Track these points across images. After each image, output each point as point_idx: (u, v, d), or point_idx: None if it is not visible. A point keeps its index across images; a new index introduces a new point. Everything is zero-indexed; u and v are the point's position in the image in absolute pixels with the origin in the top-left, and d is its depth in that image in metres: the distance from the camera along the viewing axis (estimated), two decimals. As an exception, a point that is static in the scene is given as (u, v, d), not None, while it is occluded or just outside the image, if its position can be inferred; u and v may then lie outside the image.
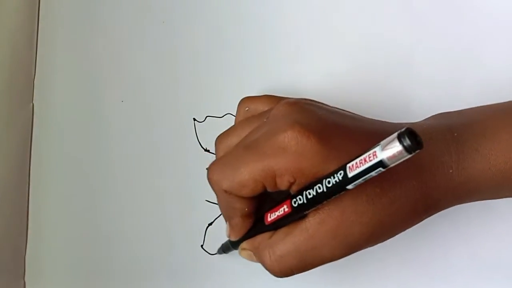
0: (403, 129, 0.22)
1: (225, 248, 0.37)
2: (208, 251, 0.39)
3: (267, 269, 0.30)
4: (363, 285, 0.39)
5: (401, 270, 0.39)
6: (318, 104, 0.31)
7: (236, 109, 0.41)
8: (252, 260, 0.32)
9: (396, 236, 0.39)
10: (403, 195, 0.28)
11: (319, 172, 0.27)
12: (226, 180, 0.29)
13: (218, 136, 0.34)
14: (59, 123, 0.41)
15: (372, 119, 0.31)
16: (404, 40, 0.40)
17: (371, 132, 0.30)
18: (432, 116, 0.33)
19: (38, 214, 0.40)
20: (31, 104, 0.41)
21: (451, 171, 0.29)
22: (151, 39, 0.42)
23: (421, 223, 0.39)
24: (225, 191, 0.29)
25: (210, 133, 0.40)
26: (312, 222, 0.28)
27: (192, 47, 0.42)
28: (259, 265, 0.39)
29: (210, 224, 0.39)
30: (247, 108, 0.35)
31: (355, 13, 0.41)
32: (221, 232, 0.39)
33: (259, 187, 0.28)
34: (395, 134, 0.22)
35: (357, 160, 0.24)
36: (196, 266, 0.39)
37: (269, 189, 0.29)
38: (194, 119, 0.41)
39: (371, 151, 0.23)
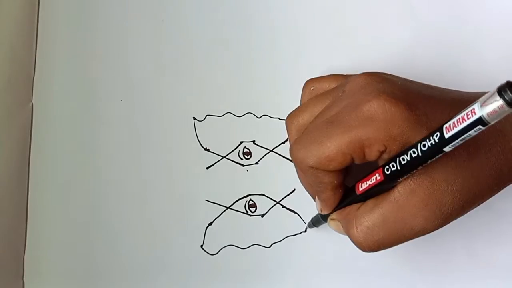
0: (503, 83, 0.21)
1: (316, 222, 0.37)
2: (208, 251, 0.39)
3: (353, 241, 0.30)
4: (362, 284, 0.39)
5: (400, 270, 0.39)
6: (395, 75, 0.31)
7: (236, 107, 0.41)
8: (339, 231, 0.32)
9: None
10: (489, 160, 0.28)
11: (409, 139, 0.26)
12: (312, 157, 0.28)
13: (289, 116, 0.33)
14: (59, 123, 0.41)
15: (449, 88, 0.31)
16: (404, 41, 0.40)
17: (454, 99, 0.29)
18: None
19: (37, 214, 0.40)
20: (31, 103, 0.41)
21: None
22: (151, 38, 0.42)
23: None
24: (312, 167, 0.29)
25: (210, 132, 0.40)
26: (402, 193, 0.27)
27: (192, 45, 0.42)
28: (258, 265, 0.39)
29: (210, 224, 0.39)
30: (312, 88, 0.34)
31: (355, 14, 0.41)
32: (221, 232, 0.39)
33: (348, 159, 0.28)
34: (495, 89, 0.21)
35: (455, 119, 0.23)
36: (196, 266, 0.39)
37: (357, 161, 0.28)
38: (194, 118, 0.41)
39: (469, 109, 0.22)
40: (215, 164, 0.40)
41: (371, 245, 0.29)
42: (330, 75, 0.35)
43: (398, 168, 0.26)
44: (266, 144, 0.40)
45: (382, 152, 0.27)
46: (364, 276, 0.39)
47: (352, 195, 0.30)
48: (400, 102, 0.27)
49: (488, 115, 0.21)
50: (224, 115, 0.41)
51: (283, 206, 0.40)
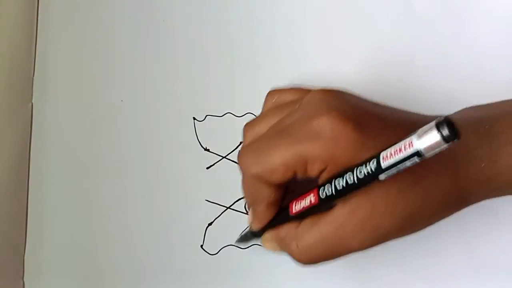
0: (441, 118, 0.21)
1: (244, 239, 0.36)
2: (208, 251, 0.39)
3: (294, 258, 0.30)
4: (361, 284, 0.39)
5: (400, 271, 0.39)
6: (352, 93, 0.30)
7: (236, 107, 0.41)
8: (275, 251, 0.31)
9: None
10: (435, 187, 0.28)
11: (352, 161, 0.26)
12: (256, 165, 0.28)
13: (246, 124, 0.33)
14: (59, 122, 0.41)
15: (405, 110, 0.31)
16: (404, 41, 0.40)
17: (406, 122, 0.29)
18: (462, 109, 0.33)
19: (37, 214, 0.40)
20: (30, 103, 0.41)
21: (483, 164, 0.29)
22: (151, 38, 0.42)
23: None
24: (254, 176, 0.28)
25: (210, 132, 0.40)
26: (341, 213, 0.27)
27: (192, 45, 0.42)
28: (258, 265, 0.39)
29: (210, 224, 0.39)
30: (274, 99, 0.34)
31: (355, 15, 0.41)
32: (221, 232, 0.39)
33: (290, 173, 0.28)
34: (433, 123, 0.21)
35: (392, 149, 0.23)
36: (196, 266, 0.39)
37: (299, 177, 0.28)
38: (194, 118, 0.41)
39: (407, 140, 0.22)
40: (215, 164, 0.40)
41: (310, 260, 0.29)
42: (293, 87, 0.34)
43: (333, 193, 0.26)
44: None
45: (322, 171, 0.27)
46: (364, 276, 0.39)
47: (285, 214, 0.30)
48: (349, 122, 0.26)
49: (424, 149, 0.21)
50: (224, 115, 0.41)
51: (283, 206, 0.40)
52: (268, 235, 0.31)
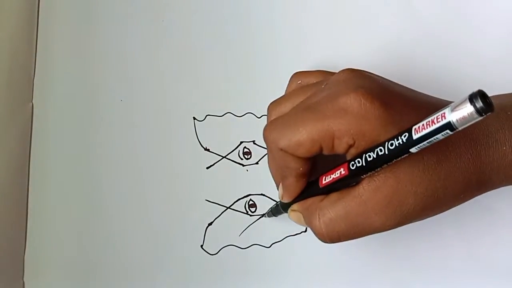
0: (475, 91, 0.21)
1: (275, 211, 0.37)
2: (208, 251, 0.39)
3: (314, 231, 0.30)
4: (361, 284, 0.39)
5: (400, 271, 0.39)
6: (378, 75, 0.31)
7: (236, 107, 0.41)
8: (300, 222, 0.32)
9: (395, 235, 0.39)
10: (458, 167, 0.28)
11: (379, 136, 0.27)
12: (283, 139, 0.29)
13: (271, 103, 0.34)
14: (59, 123, 0.41)
15: (426, 93, 0.31)
16: (404, 41, 0.40)
17: (429, 104, 0.30)
18: None
19: (37, 214, 0.40)
20: (31, 103, 0.41)
21: (504, 148, 0.29)
22: (151, 38, 0.42)
23: (421, 222, 0.39)
24: (281, 150, 0.29)
25: (210, 132, 0.40)
26: (366, 189, 0.28)
27: (192, 45, 0.42)
28: (258, 265, 0.39)
29: (210, 224, 0.39)
30: (299, 82, 0.35)
31: (356, 14, 0.41)
32: (221, 232, 0.39)
33: (316, 147, 0.28)
34: (466, 96, 0.21)
35: (424, 122, 0.23)
36: (196, 266, 0.39)
37: (325, 152, 0.29)
38: (194, 118, 0.41)
39: (439, 113, 0.22)
40: (215, 164, 0.40)
41: (331, 236, 0.29)
42: (317, 70, 0.35)
43: (364, 164, 0.27)
44: (266, 144, 0.40)
45: (350, 146, 0.28)
46: (364, 276, 0.39)
47: (315, 187, 0.31)
48: (376, 99, 0.27)
49: (457, 121, 0.22)
50: (224, 115, 0.41)
51: (283, 206, 0.40)
52: (295, 206, 0.32)
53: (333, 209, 0.29)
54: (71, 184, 0.40)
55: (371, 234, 0.29)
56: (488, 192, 0.39)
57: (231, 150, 0.40)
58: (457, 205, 0.31)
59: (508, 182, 0.31)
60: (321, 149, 0.28)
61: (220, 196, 0.40)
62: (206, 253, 0.39)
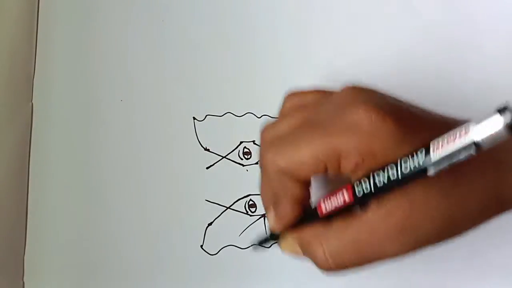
0: (503, 104, 0.19)
1: (263, 241, 0.33)
2: (208, 251, 0.39)
3: (318, 264, 0.27)
4: (361, 284, 0.39)
5: (400, 270, 0.39)
6: (382, 91, 0.28)
7: (236, 107, 0.41)
8: (296, 255, 0.29)
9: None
10: (477, 189, 0.26)
11: (390, 156, 0.24)
12: (283, 158, 0.26)
13: (265, 127, 0.30)
14: (59, 122, 0.41)
15: (436, 112, 0.29)
16: (404, 41, 0.40)
17: (443, 122, 0.27)
18: None
19: (37, 214, 0.40)
20: (31, 103, 0.41)
21: None
22: (151, 38, 0.42)
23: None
24: (280, 171, 0.26)
25: (210, 132, 0.40)
26: (377, 214, 0.25)
27: (192, 46, 0.42)
28: (258, 265, 0.39)
29: (210, 224, 0.39)
30: (293, 102, 0.31)
31: (356, 14, 0.41)
32: (221, 232, 0.39)
33: (320, 167, 0.26)
34: (495, 109, 0.19)
35: (445, 137, 0.21)
36: (196, 266, 0.39)
37: (330, 172, 0.26)
38: (194, 118, 0.41)
39: (462, 127, 0.20)
40: (215, 164, 0.40)
41: (338, 267, 0.27)
42: (314, 89, 0.32)
43: (373, 191, 0.24)
44: (266, 144, 0.40)
45: (357, 166, 0.25)
46: (364, 276, 0.39)
47: (311, 214, 0.27)
48: (388, 116, 0.25)
49: (484, 138, 0.19)
50: (224, 115, 0.41)
51: (283, 206, 0.40)
52: (289, 238, 0.29)
53: (339, 239, 0.26)
54: (71, 184, 0.40)
55: (381, 261, 0.26)
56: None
57: (231, 150, 0.40)
58: (476, 227, 0.28)
59: None
60: (325, 169, 0.26)
61: (220, 196, 0.40)
62: (206, 253, 0.39)
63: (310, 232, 0.27)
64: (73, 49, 0.41)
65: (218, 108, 0.41)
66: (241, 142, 0.40)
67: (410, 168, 0.22)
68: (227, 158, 0.40)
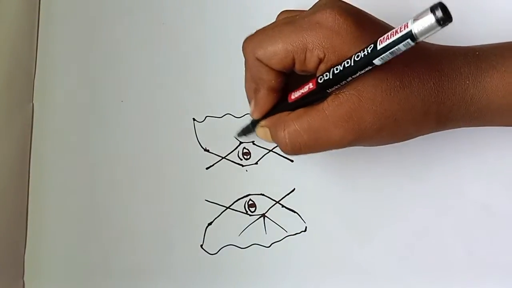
0: (436, 2, 0.22)
1: (246, 131, 0.37)
2: (208, 251, 0.39)
3: (278, 143, 0.32)
4: (361, 284, 0.39)
5: (399, 270, 0.39)
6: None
7: (235, 109, 0.41)
8: (266, 138, 0.34)
9: (394, 234, 0.39)
10: (420, 93, 0.30)
11: (348, 52, 0.28)
12: (260, 48, 0.30)
13: (256, 31, 0.34)
14: (59, 123, 0.41)
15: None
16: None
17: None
18: None
19: (37, 214, 0.40)
20: (31, 104, 0.41)
21: (467, 82, 0.31)
22: (151, 40, 0.42)
23: (421, 222, 0.39)
24: (257, 59, 0.31)
25: (209, 133, 0.40)
26: (330, 104, 0.29)
27: (192, 48, 0.42)
28: (258, 264, 0.39)
29: (210, 224, 0.39)
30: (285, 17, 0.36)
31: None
32: (221, 232, 0.39)
33: (289, 58, 0.30)
34: (428, 7, 0.22)
35: (388, 33, 0.25)
36: (196, 266, 0.39)
37: (297, 66, 0.30)
38: (194, 119, 0.41)
39: (403, 24, 0.24)
40: (215, 165, 0.40)
41: (294, 147, 0.31)
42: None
43: (331, 77, 0.28)
44: (265, 144, 0.41)
45: (320, 61, 0.29)
46: (364, 276, 0.39)
47: (284, 104, 0.32)
48: (350, 17, 0.29)
49: (418, 31, 0.23)
50: (224, 116, 0.41)
51: (282, 206, 0.40)
52: (263, 122, 0.34)
53: (297, 122, 0.30)
54: (71, 184, 0.40)
55: (331, 148, 0.31)
56: (488, 193, 0.39)
57: (230, 151, 0.41)
58: (416, 136, 0.32)
59: (467, 120, 0.33)
60: (293, 61, 0.30)
61: (220, 196, 0.40)
62: (206, 252, 0.39)
63: (277, 117, 0.32)
64: (74, 50, 0.42)
65: (218, 109, 0.41)
66: (240, 143, 0.41)
67: (360, 56, 0.26)
68: (226, 159, 0.40)
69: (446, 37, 0.34)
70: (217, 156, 0.40)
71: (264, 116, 0.33)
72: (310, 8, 0.32)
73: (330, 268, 0.39)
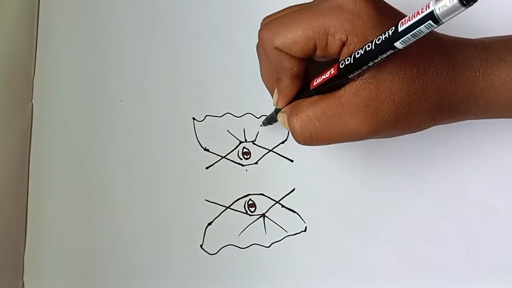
0: None
1: (270, 119, 0.37)
2: (208, 251, 0.39)
3: (290, 129, 0.31)
4: (361, 284, 0.39)
5: (400, 270, 0.39)
6: None
7: (235, 108, 0.41)
8: (284, 124, 0.32)
9: (394, 234, 0.39)
10: (435, 82, 0.30)
11: (370, 36, 0.27)
12: (279, 36, 0.29)
13: (265, 17, 0.34)
14: (59, 123, 0.41)
15: None
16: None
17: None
18: None
19: (37, 214, 0.40)
20: (31, 103, 0.41)
21: (478, 74, 0.31)
22: (151, 38, 0.42)
23: (421, 221, 0.39)
24: (277, 48, 0.30)
25: (209, 133, 0.40)
26: (347, 91, 0.29)
27: (192, 46, 0.42)
28: (258, 264, 0.39)
29: (209, 224, 0.39)
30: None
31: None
32: (221, 232, 0.39)
33: (311, 45, 0.29)
34: None
35: (410, 15, 0.24)
36: (196, 266, 0.39)
37: (319, 52, 0.29)
38: (194, 119, 0.41)
39: (424, 5, 0.23)
40: (215, 164, 0.40)
41: (304, 135, 0.30)
42: None
43: (352, 62, 0.27)
44: (265, 144, 0.41)
45: (343, 43, 0.28)
46: (364, 276, 0.39)
47: (307, 92, 0.31)
48: (370, 1, 0.28)
49: (440, 10, 0.22)
50: (224, 116, 0.41)
51: (282, 206, 0.40)
52: (283, 108, 0.33)
53: (311, 108, 0.29)
54: (71, 184, 0.40)
55: (344, 140, 0.30)
56: (488, 193, 0.39)
57: (230, 150, 0.41)
58: (428, 127, 0.32)
59: (476, 112, 0.33)
60: (315, 47, 0.29)
61: (220, 196, 0.40)
62: (205, 253, 0.39)
63: (295, 104, 0.31)
64: (74, 49, 0.42)
65: (218, 108, 0.41)
66: (240, 142, 0.41)
67: (382, 38, 0.25)
68: (226, 158, 0.40)
69: (454, 28, 0.34)
70: (217, 156, 0.40)
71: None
72: None
73: (330, 268, 0.39)
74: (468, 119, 0.34)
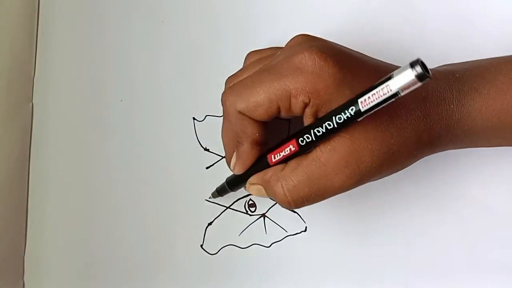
0: (414, 59, 0.23)
1: (221, 191, 0.37)
2: (208, 251, 0.39)
3: (279, 200, 0.30)
4: (361, 284, 0.39)
5: (400, 270, 0.39)
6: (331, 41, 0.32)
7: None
8: (261, 195, 0.32)
9: (395, 234, 0.39)
10: (410, 124, 0.30)
11: (333, 95, 0.28)
12: (241, 100, 0.29)
13: (228, 77, 0.34)
14: (59, 123, 0.41)
15: (379, 59, 0.32)
16: (404, 40, 0.40)
17: (379, 67, 0.31)
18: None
19: (37, 214, 0.40)
20: (31, 103, 0.41)
21: (452, 106, 0.31)
22: (151, 38, 0.42)
23: (421, 221, 0.39)
24: (239, 112, 0.30)
25: (209, 133, 0.40)
26: (324, 150, 0.29)
27: (192, 46, 0.42)
28: (258, 264, 0.39)
29: (210, 224, 0.39)
30: (254, 59, 0.35)
31: (355, 14, 0.41)
32: (221, 232, 0.39)
33: (274, 108, 0.29)
34: (408, 64, 0.23)
35: (369, 94, 0.25)
36: (196, 266, 0.39)
37: (283, 113, 0.29)
38: (194, 118, 0.41)
39: (384, 84, 0.24)
40: (215, 164, 0.40)
41: (297, 202, 0.30)
42: (271, 47, 0.36)
43: (313, 139, 0.28)
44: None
45: (306, 105, 0.28)
46: (364, 276, 0.39)
47: (265, 164, 0.31)
48: (329, 58, 0.28)
49: (400, 88, 0.24)
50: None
51: (283, 206, 0.40)
52: (253, 179, 0.32)
53: (294, 176, 0.29)
54: (71, 184, 0.40)
55: (333, 195, 0.30)
56: (488, 193, 0.39)
57: (230, 150, 0.40)
58: (411, 164, 0.32)
59: (455, 143, 0.33)
60: (278, 110, 0.29)
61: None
62: (206, 252, 0.39)
63: (270, 172, 0.31)
64: (73, 49, 0.41)
65: (218, 108, 0.41)
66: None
67: (343, 118, 0.26)
68: (226, 158, 0.40)
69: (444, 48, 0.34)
70: (217, 156, 0.40)
71: (247, 172, 0.32)
72: (284, 48, 0.31)
73: (330, 268, 0.39)
74: (449, 149, 0.34)
